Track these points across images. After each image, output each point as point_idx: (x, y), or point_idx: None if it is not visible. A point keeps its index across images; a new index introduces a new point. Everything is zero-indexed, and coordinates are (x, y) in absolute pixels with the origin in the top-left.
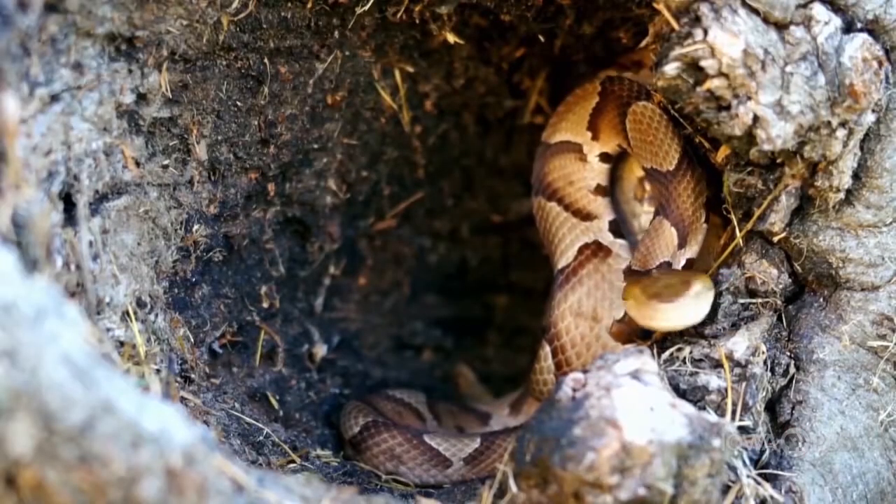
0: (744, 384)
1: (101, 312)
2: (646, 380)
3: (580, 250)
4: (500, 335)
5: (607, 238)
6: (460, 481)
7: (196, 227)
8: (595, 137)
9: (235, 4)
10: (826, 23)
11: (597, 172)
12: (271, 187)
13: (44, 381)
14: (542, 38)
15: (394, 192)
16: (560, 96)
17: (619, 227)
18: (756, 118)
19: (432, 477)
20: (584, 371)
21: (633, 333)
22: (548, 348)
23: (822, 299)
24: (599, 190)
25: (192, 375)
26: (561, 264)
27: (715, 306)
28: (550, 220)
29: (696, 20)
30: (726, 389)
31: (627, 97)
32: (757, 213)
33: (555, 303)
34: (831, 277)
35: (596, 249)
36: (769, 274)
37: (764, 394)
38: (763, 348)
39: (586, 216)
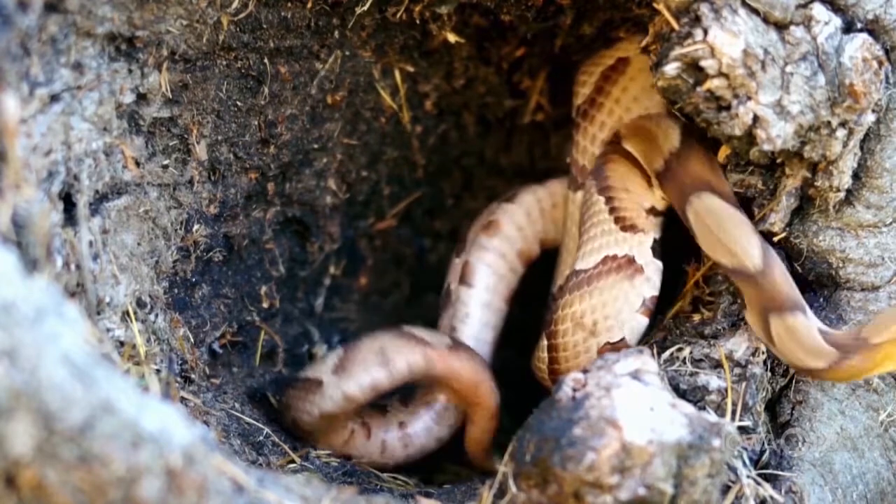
0: (744, 384)
1: (101, 312)
2: (646, 380)
3: (604, 260)
4: (501, 335)
5: (645, 256)
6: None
7: (196, 227)
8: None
9: (235, 4)
10: (826, 23)
11: (656, 199)
12: (271, 187)
13: (44, 381)
14: (539, 38)
15: (394, 192)
16: (560, 96)
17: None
18: (756, 118)
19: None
20: (585, 371)
21: None
22: (545, 341)
23: (822, 299)
24: (653, 210)
25: (192, 375)
26: (579, 266)
27: (715, 306)
28: (589, 213)
29: (696, 20)
30: (726, 389)
31: (691, 186)
32: (758, 215)
33: (561, 301)
34: (831, 277)
35: (624, 264)
36: None
37: (764, 394)
38: (763, 348)
39: (629, 227)
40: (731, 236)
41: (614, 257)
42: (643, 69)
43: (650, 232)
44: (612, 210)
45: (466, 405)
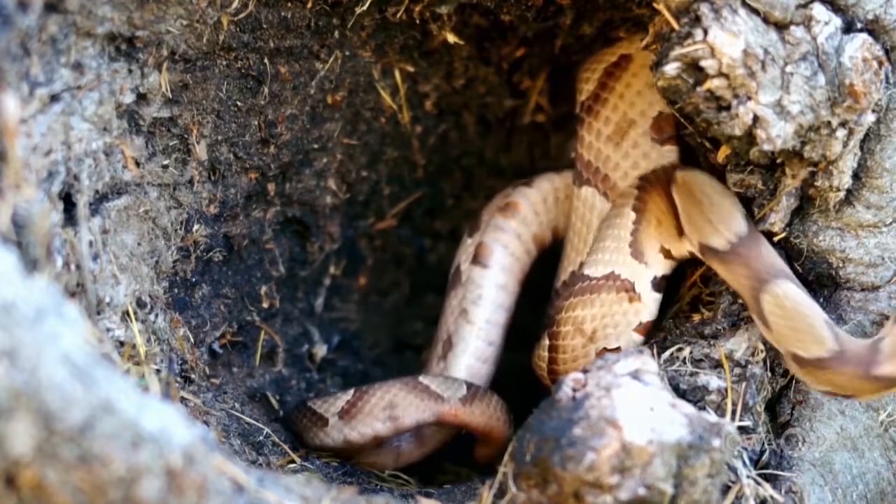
0: (744, 384)
1: (101, 312)
2: (646, 380)
3: (610, 275)
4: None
5: (644, 286)
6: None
7: (196, 227)
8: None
9: (235, 4)
10: (826, 23)
11: (680, 248)
12: (271, 187)
13: (44, 381)
14: (539, 38)
15: (394, 192)
16: (560, 96)
17: (663, 285)
18: (756, 118)
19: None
20: (584, 371)
21: None
22: (547, 341)
23: (822, 299)
24: (668, 253)
25: (192, 375)
26: (588, 271)
27: (715, 306)
28: (613, 222)
29: (696, 20)
30: (726, 389)
31: (767, 273)
32: (758, 215)
33: (566, 303)
34: (831, 277)
35: (626, 286)
36: None
37: (764, 394)
38: (763, 348)
39: (639, 255)
40: (804, 324)
41: (619, 276)
42: (646, 66)
43: (654, 267)
44: (633, 232)
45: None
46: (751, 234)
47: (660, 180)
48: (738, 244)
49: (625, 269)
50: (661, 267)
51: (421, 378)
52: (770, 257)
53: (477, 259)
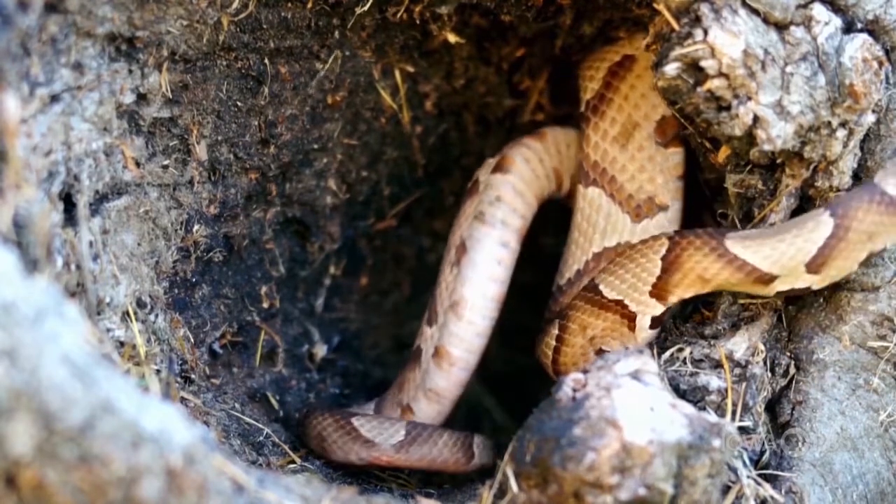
0: (744, 384)
1: (101, 312)
2: (646, 380)
3: (621, 303)
4: (501, 335)
5: (644, 323)
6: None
7: (196, 227)
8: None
9: (235, 4)
10: (826, 23)
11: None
12: (271, 187)
13: (44, 381)
14: (539, 38)
15: (394, 192)
16: (560, 96)
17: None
18: (756, 118)
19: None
20: (584, 371)
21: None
22: (555, 332)
23: (822, 299)
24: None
25: (192, 376)
26: (603, 288)
27: (715, 306)
28: (643, 256)
29: (697, 20)
30: (726, 390)
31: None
32: (758, 215)
33: (576, 302)
34: None
35: (630, 317)
36: None
37: (764, 394)
38: (763, 348)
39: (660, 296)
40: None
41: (627, 307)
42: (649, 68)
43: (655, 310)
44: (657, 279)
45: None
46: None
47: (698, 247)
48: None
49: (636, 305)
50: (662, 309)
51: (354, 420)
52: None
53: (497, 168)
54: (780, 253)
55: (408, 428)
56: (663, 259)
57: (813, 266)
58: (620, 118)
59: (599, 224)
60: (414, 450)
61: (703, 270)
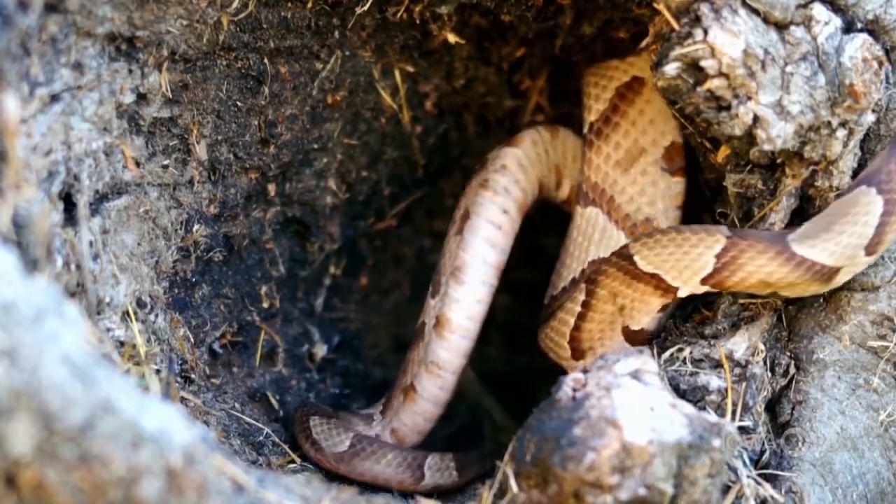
0: (744, 384)
1: (101, 312)
2: (646, 380)
3: (655, 276)
4: (501, 335)
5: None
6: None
7: (196, 227)
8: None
9: (235, 4)
10: (826, 23)
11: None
12: (271, 187)
13: (44, 381)
14: (539, 38)
15: (394, 192)
16: (560, 96)
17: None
18: (756, 118)
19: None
20: (584, 371)
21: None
22: (581, 298)
23: (822, 299)
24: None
25: (192, 375)
26: (636, 258)
27: (715, 306)
28: (699, 237)
29: (696, 20)
30: (726, 389)
31: None
32: (758, 214)
33: (608, 269)
34: None
35: (664, 288)
36: None
37: (764, 394)
38: (763, 348)
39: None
40: None
41: (664, 281)
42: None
43: (650, 327)
44: (709, 275)
45: None
46: None
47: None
48: None
49: (675, 279)
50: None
51: (311, 419)
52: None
53: (507, 143)
54: (844, 245)
55: (353, 440)
56: (717, 257)
57: (870, 247)
58: (626, 143)
59: (595, 237)
60: (357, 463)
61: (767, 275)
